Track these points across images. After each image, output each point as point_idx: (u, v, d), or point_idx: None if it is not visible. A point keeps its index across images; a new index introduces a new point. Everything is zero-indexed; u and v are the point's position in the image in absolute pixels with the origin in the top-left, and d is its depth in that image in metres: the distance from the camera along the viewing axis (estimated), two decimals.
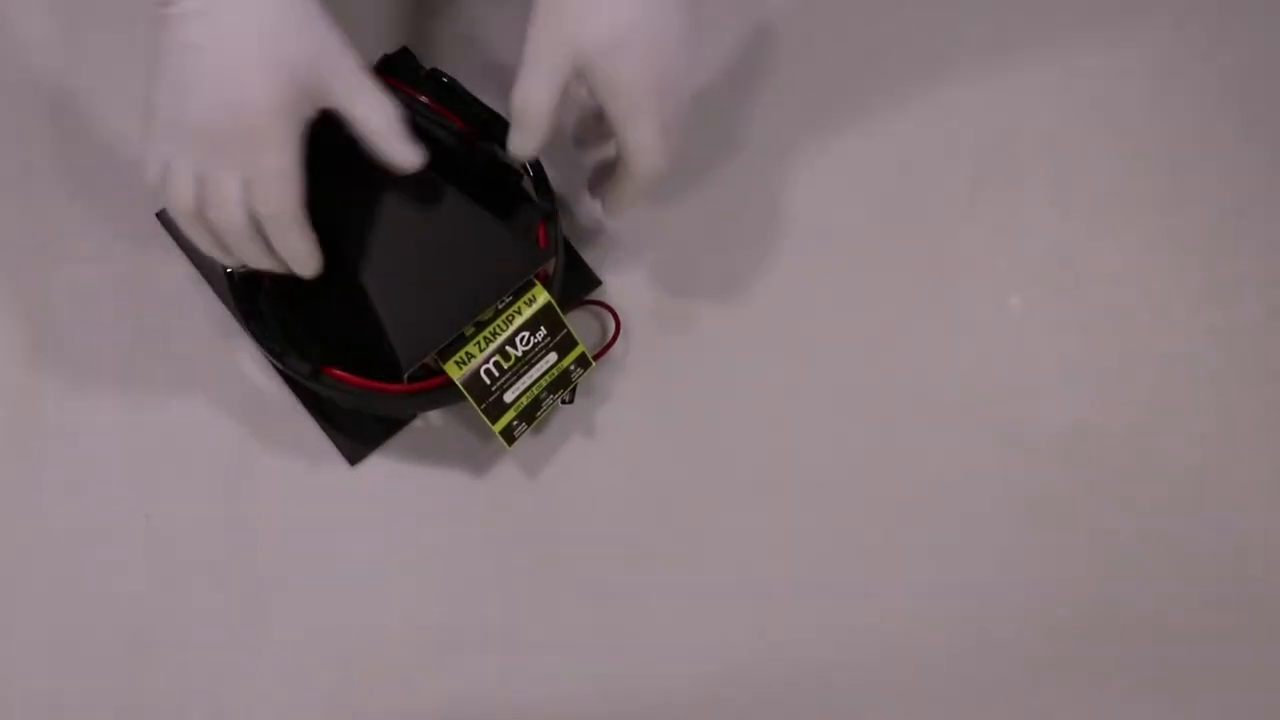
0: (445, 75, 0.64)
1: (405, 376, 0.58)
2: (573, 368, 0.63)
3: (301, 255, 0.55)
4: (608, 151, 0.60)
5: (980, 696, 0.64)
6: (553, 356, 0.61)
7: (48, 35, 0.72)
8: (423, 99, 0.63)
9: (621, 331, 0.68)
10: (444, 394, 0.60)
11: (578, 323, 0.68)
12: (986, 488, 0.66)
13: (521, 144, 0.56)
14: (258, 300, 0.62)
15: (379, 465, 0.67)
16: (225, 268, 0.60)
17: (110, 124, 0.71)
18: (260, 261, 0.55)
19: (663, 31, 0.54)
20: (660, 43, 0.54)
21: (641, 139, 0.55)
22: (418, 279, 0.58)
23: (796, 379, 0.68)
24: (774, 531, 0.66)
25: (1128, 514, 0.65)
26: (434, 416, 0.67)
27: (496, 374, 0.60)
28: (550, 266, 0.61)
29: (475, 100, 0.64)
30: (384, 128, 0.53)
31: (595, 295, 0.69)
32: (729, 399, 0.67)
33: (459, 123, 0.62)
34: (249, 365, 0.68)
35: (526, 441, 0.67)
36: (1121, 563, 0.65)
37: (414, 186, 0.57)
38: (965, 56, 0.65)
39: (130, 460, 0.67)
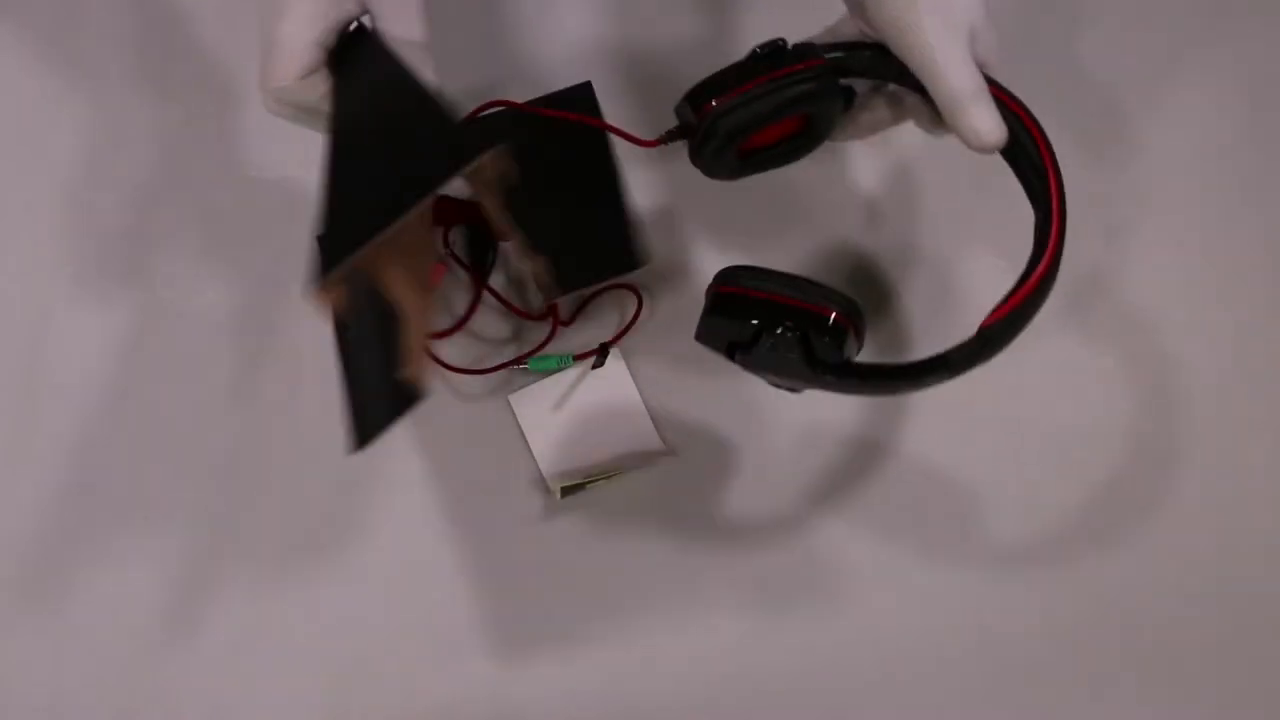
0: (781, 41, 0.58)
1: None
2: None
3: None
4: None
5: (980, 696, 0.64)
6: None
7: None
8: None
9: (643, 316, 0.68)
10: None
11: (602, 302, 0.68)
12: (986, 488, 0.66)
13: (998, 120, 0.54)
14: None
15: (378, 463, 0.67)
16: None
17: None
18: None
19: None
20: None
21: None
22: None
23: None
24: (774, 531, 0.66)
25: (1128, 514, 0.65)
26: (440, 414, 0.67)
27: None
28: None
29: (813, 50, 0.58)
30: (408, 48, 0.54)
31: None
32: (729, 396, 0.67)
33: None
34: (248, 360, 0.68)
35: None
36: (1122, 563, 0.65)
37: None
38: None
39: (130, 460, 0.67)
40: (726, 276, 0.56)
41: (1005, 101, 0.55)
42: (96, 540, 0.66)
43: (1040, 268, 0.53)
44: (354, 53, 0.55)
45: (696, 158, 0.59)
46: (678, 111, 0.59)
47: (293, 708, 0.64)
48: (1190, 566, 0.64)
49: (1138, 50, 0.71)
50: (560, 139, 0.65)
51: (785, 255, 0.68)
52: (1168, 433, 0.66)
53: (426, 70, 0.56)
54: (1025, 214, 0.55)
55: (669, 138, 0.59)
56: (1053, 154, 0.54)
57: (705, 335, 0.56)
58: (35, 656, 0.65)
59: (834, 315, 0.53)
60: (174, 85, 0.73)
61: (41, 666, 0.65)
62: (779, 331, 0.53)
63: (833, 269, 0.69)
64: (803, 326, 0.53)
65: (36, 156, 0.72)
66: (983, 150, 0.54)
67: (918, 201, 0.70)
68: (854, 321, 0.54)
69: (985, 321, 0.52)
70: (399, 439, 0.67)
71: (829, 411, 0.67)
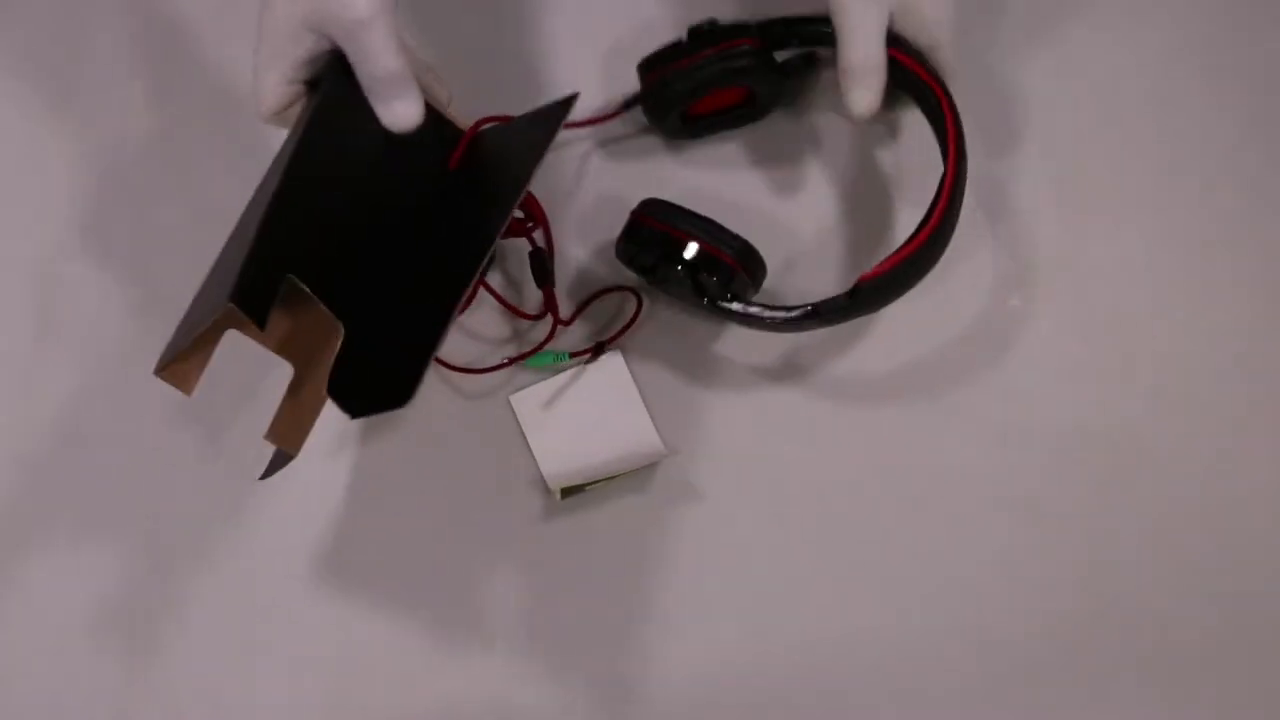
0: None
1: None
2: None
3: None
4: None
5: (980, 696, 0.64)
6: None
7: None
8: None
9: (643, 315, 0.68)
10: None
11: (602, 303, 0.68)
12: (987, 488, 0.66)
13: (871, 100, 0.60)
14: None
15: (379, 463, 0.67)
16: None
17: None
18: None
19: None
20: None
21: (951, 59, 0.62)
22: None
23: (796, 379, 0.68)
24: (774, 532, 0.66)
25: (1128, 514, 0.65)
26: (440, 414, 0.67)
27: None
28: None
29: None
30: (372, 82, 0.54)
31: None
32: (728, 395, 0.67)
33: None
34: (247, 358, 0.68)
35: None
36: (1121, 563, 0.65)
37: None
38: (965, 57, 0.65)
39: (131, 460, 0.67)
40: (645, 206, 0.62)
41: (927, 82, 0.61)
42: (96, 537, 0.66)
43: (919, 239, 0.59)
44: (330, 89, 0.56)
45: (650, 119, 0.67)
46: (639, 70, 0.66)
47: (293, 708, 0.64)
48: (1190, 566, 0.64)
49: (1138, 50, 0.71)
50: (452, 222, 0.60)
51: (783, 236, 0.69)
52: (1168, 432, 0.66)
53: (406, 100, 0.55)
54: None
55: (626, 105, 0.66)
56: (960, 136, 0.61)
57: (622, 255, 0.63)
58: (35, 656, 0.65)
59: (723, 257, 0.60)
60: (175, 86, 0.73)
61: (41, 666, 0.65)
62: (676, 266, 0.60)
63: (820, 240, 0.69)
64: (696, 263, 0.60)
65: (38, 158, 0.72)
66: (854, 120, 0.62)
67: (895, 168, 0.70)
68: (745, 265, 0.61)
69: (861, 277, 0.59)
70: (398, 438, 0.67)
71: (829, 412, 0.67)
